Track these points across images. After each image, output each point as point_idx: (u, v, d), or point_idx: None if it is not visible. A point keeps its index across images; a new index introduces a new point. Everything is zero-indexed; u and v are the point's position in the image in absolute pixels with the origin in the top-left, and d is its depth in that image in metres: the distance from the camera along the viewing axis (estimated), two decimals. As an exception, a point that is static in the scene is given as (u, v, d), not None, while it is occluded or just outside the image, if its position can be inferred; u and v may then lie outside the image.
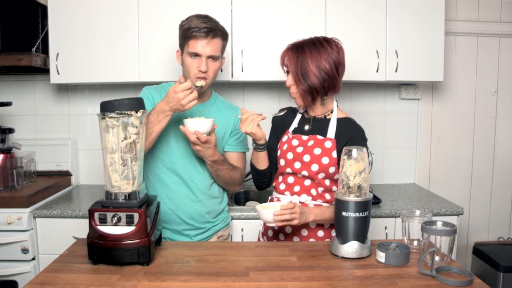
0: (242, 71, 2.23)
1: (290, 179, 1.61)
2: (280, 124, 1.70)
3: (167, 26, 2.12)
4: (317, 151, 1.55)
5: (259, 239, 1.75)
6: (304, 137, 1.60)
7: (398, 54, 2.26)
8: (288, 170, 1.58)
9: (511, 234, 2.78)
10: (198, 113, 1.68)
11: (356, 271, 1.23)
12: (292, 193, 1.61)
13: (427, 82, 2.62)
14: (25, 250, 2.01)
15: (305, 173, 1.56)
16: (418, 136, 2.68)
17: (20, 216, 1.99)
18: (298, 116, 1.68)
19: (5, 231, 1.99)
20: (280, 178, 1.65)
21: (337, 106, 1.64)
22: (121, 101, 1.27)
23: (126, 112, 1.25)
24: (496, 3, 2.62)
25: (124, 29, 2.21)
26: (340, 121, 1.60)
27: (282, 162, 1.61)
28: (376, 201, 2.18)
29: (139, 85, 2.39)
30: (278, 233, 1.62)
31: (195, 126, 1.51)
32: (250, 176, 2.50)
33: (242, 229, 2.06)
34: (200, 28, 1.58)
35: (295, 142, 1.60)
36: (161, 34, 2.18)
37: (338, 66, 1.53)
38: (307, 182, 1.59)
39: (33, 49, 2.21)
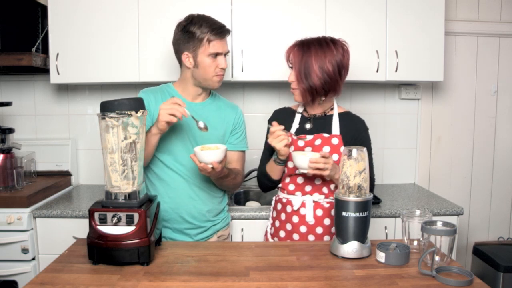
0: (242, 71, 2.23)
1: (300, 180, 1.62)
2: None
3: (167, 26, 2.10)
4: (326, 149, 1.57)
5: (266, 239, 1.73)
6: (309, 137, 1.61)
7: (398, 54, 2.26)
8: (299, 171, 1.56)
9: (511, 234, 2.78)
10: (198, 112, 1.68)
11: (356, 271, 1.23)
12: (304, 193, 1.61)
13: (427, 82, 2.61)
14: (25, 250, 2.01)
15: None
16: (418, 136, 2.68)
17: (20, 216, 1.99)
18: (298, 116, 1.68)
19: (5, 231, 1.99)
20: (288, 179, 1.65)
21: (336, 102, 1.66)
22: (121, 101, 1.27)
23: (126, 112, 1.25)
24: (496, 3, 2.62)
25: (124, 29, 2.21)
26: (341, 116, 1.63)
27: (290, 164, 1.62)
28: (376, 201, 2.18)
29: (139, 85, 2.39)
30: (292, 233, 1.61)
31: (211, 157, 1.47)
32: (250, 176, 2.52)
33: (242, 229, 2.06)
34: (219, 28, 1.62)
35: (301, 143, 1.61)
36: (161, 34, 2.18)
37: (341, 69, 1.54)
38: (318, 181, 1.60)
39: (33, 49, 2.21)
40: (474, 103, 2.70)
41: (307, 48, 1.54)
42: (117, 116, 1.24)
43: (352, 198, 1.30)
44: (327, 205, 1.59)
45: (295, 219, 1.60)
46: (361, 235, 1.32)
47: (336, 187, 1.59)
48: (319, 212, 1.59)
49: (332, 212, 1.57)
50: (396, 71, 2.27)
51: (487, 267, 2.35)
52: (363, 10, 2.23)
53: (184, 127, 1.66)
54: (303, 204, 1.59)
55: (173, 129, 1.65)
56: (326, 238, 1.59)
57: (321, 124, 1.63)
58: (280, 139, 1.49)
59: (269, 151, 1.69)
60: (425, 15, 2.26)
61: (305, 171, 1.47)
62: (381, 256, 1.29)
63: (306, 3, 2.22)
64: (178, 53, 1.68)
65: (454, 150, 2.71)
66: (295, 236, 1.61)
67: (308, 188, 1.61)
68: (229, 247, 1.45)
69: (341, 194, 1.33)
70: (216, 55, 1.63)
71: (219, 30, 1.63)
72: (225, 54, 1.67)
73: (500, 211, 2.76)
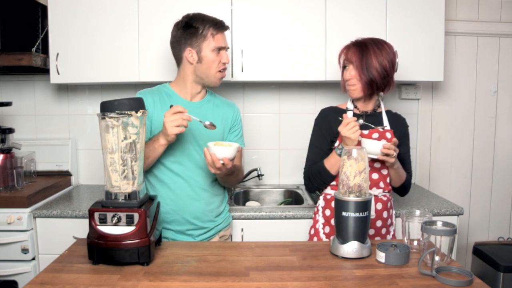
0: (242, 71, 2.23)
1: None
2: (327, 124, 1.73)
3: (167, 26, 2.10)
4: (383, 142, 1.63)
5: (319, 239, 1.72)
6: (365, 131, 1.67)
7: (398, 54, 2.25)
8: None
9: (511, 234, 2.78)
10: (196, 111, 1.68)
11: (356, 271, 1.23)
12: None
13: (427, 82, 2.61)
14: (25, 250, 2.01)
15: (377, 165, 1.66)
16: (418, 136, 2.68)
17: (20, 216, 1.99)
18: (350, 113, 1.73)
19: (5, 231, 1.99)
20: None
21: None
22: (121, 101, 1.27)
23: (126, 112, 1.25)
24: (496, 3, 2.62)
25: (124, 29, 2.21)
26: (387, 113, 1.74)
27: None
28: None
29: (139, 85, 2.39)
30: None
31: (223, 153, 1.48)
32: (250, 176, 2.52)
33: (242, 229, 2.06)
34: (220, 22, 1.67)
35: (375, 135, 1.67)
36: (161, 34, 2.17)
37: (394, 65, 1.67)
38: (375, 176, 1.67)
39: (33, 49, 2.21)
40: (474, 103, 2.70)
41: (365, 47, 1.64)
42: (117, 116, 1.24)
43: (352, 198, 1.30)
44: (384, 199, 1.68)
45: None
46: (361, 235, 1.32)
47: (390, 181, 1.70)
48: (379, 206, 1.65)
49: (389, 204, 1.72)
50: (396, 71, 2.26)
51: (487, 267, 2.35)
52: (363, 10, 2.23)
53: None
54: None
55: None
56: (383, 230, 1.67)
57: (373, 120, 1.70)
58: (355, 129, 1.55)
59: (316, 147, 1.74)
60: (425, 15, 2.26)
61: (375, 156, 1.54)
62: (381, 256, 1.29)
63: (306, 3, 2.22)
64: (178, 51, 1.68)
65: (454, 150, 2.71)
66: None
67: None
68: (229, 247, 1.45)
69: (341, 194, 1.33)
70: (219, 49, 1.65)
71: (221, 24, 1.67)
72: (226, 49, 1.70)
73: (500, 211, 2.76)
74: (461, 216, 2.18)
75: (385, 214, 1.68)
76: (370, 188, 1.64)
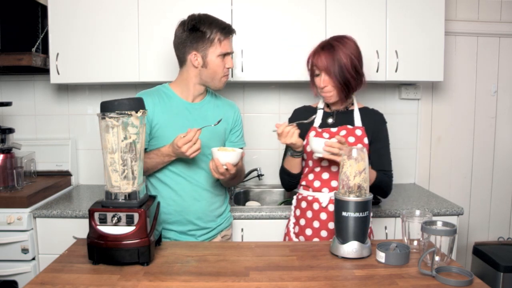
0: (242, 71, 2.23)
1: (325, 175, 1.63)
2: (299, 124, 1.71)
3: (167, 26, 2.10)
4: (351, 139, 1.62)
5: (290, 239, 1.72)
6: (333, 129, 1.65)
7: (398, 54, 2.26)
8: (315, 155, 1.56)
9: (511, 234, 2.78)
10: (196, 112, 1.68)
11: (356, 271, 1.23)
12: (331, 189, 1.62)
13: (427, 82, 2.61)
14: (25, 250, 2.01)
15: (324, 163, 1.62)
16: (418, 136, 2.68)
17: (20, 216, 1.99)
18: (320, 112, 1.72)
19: (5, 231, 1.99)
20: (312, 176, 1.66)
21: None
22: (121, 101, 1.27)
23: (126, 112, 1.25)
24: (496, 3, 2.62)
25: (124, 29, 2.21)
26: (361, 110, 1.70)
27: (310, 162, 1.64)
28: (376, 201, 2.18)
29: (139, 85, 2.39)
30: (320, 231, 1.62)
31: (227, 158, 1.49)
32: (250, 176, 2.52)
33: (242, 229, 2.06)
34: (228, 27, 1.64)
35: (326, 135, 1.64)
36: (161, 34, 2.17)
37: (361, 58, 1.62)
38: (325, 175, 1.63)
39: (33, 49, 2.21)
40: (474, 103, 2.70)
41: (332, 48, 1.58)
42: (117, 116, 1.24)
43: (352, 198, 1.30)
44: None
45: (323, 216, 1.61)
46: (361, 235, 1.32)
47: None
48: (331, 207, 1.60)
49: None
50: (396, 71, 2.27)
51: (487, 267, 2.35)
52: (363, 10, 2.23)
53: (185, 130, 1.65)
54: (331, 201, 1.59)
55: (174, 133, 1.64)
56: None
57: (344, 118, 1.68)
58: (290, 135, 1.51)
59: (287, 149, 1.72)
60: (425, 15, 2.26)
61: (320, 155, 1.50)
62: (381, 256, 1.29)
63: (306, 3, 2.22)
64: (182, 53, 1.65)
65: (454, 150, 2.71)
66: (323, 233, 1.62)
67: (334, 183, 1.62)
68: (229, 247, 1.45)
69: (341, 194, 1.33)
70: (225, 55, 1.64)
71: (228, 29, 1.64)
72: (231, 54, 1.69)
73: (500, 211, 2.76)
74: (461, 216, 2.18)
75: None
76: (321, 188, 1.63)
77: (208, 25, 1.60)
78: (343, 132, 1.63)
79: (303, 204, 1.68)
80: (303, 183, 1.69)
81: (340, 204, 1.33)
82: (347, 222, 1.31)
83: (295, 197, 1.76)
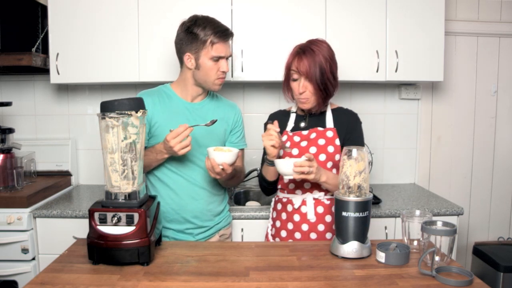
0: (242, 71, 2.23)
1: None
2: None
3: (167, 26, 2.11)
4: (321, 141, 1.59)
5: (268, 240, 1.73)
6: (304, 132, 1.63)
7: (398, 54, 2.26)
8: (285, 179, 1.55)
9: (511, 234, 2.78)
10: (197, 112, 1.68)
11: (356, 271, 1.23)
12: (304, 191, 1.62)
13: (427, 82, 2.61)
14: (25, 250, 2.01)
15: None
16: (418, 136, 2.68)
17: (20, 216, 1.99)
18: (293, 116, 1.70)
19: (5, 231, 1.99)
20: (287, 179, 1.65)
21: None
22: (121, 101, 1.27)
23: (126, 112, 1.25)
24: (496, 3, 2.62)
25: (124, 29, 2.21)
26: (334, 111, 1.68)
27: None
28: (376, 201, 2.18)
29: (139, 85, 2.39)
30: (294, 232, 1.61)
31: (223, 158, 1.48)
32: (250, 176, 2.52)
33: (242, 229, 2.06)
34: (223, 31, 1.61)
35: (296, 139, 1.63)
36: (161, 34, 2.18)
37: (336, 63, 1.61)
38: None
39: (33, 49, 2.21)
40: (474, 103, 2.70)
41: (313, 53, 1.54)
42: (117, 116, 1.24)
43: (352, 198, 1.30)
44: (327, 202, 1.60)
45: (297, 217, 1.61)
46: (361, 235, 1.32)
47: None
48: (320, 209, 1.60)
49: (333, 208, 1.55)
50: (396, 71, 2.27)
51: (487, 267, 2.35)
52: (363, 10, 2.23)
53: None
54: (303, 202, 1.60)
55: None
56: (328, 235, 1.60)
57: (316, 121, 1.66)
58: (269, 138, 1.48)
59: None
60: (425, 15, 2.26)
61: (291, 177, 1.45)
62: (381, 256, 1.29)
63: (306, 3, 2.22)
64: (180, 53, 1.67)
65: (454, 150, 2.71)
66: (297, 235, 1.61)
67: (307, 185, 1.61)
68: (229, 247, 1.45)
69: (341, 194, 1.33)
70: (218, 58, 1.62)
71: (223, 33, 1.62)
72: (227, 58, 1.67)
73: (500, 211, 2.76)
74: (461, 216, 2.18)
75: (328, 218, 1.60)
76: (311, 190, 1.61)
77: (202, 28, 1.59)
78: (313, 135, 1.61)
79: (279, 206, 1.68)
80: (279, 186, 1.69)
81: (340, 204, 1.33)
82: (347, 222, 1.31)
83: (273, 198, 1.76)
